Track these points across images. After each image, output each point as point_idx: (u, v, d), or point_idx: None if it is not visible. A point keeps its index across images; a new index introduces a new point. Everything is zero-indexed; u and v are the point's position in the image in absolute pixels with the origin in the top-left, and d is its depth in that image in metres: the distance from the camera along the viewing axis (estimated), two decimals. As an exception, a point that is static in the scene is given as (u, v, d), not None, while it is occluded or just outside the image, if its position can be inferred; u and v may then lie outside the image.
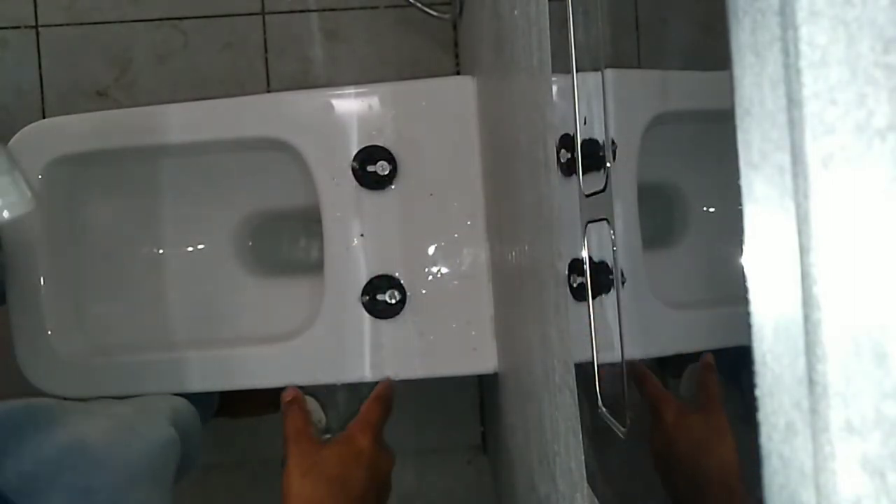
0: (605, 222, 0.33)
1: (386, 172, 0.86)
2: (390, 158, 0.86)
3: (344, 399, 0.98)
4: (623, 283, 0.32)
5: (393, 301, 0.86)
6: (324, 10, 1.34)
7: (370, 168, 0.86)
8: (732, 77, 0.18)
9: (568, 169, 0.39)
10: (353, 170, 0.86)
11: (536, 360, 0.55)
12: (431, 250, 0.87)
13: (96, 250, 0.98)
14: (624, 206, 0.32)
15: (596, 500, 0.38)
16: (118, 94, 1.33)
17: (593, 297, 0.36)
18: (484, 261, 0.86)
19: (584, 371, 0.37)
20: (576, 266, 0.39)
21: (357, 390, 1.36)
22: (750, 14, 0.17)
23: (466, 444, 1.36)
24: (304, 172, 0.89)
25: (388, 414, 0.74)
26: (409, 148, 0.86)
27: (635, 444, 0.32)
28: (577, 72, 0.35)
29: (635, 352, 0.32)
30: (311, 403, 0.79)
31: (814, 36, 0.16)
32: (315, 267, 0.93)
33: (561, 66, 0.38)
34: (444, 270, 0.87)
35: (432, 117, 0.87)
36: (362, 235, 0.88)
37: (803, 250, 0.16)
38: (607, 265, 0.34)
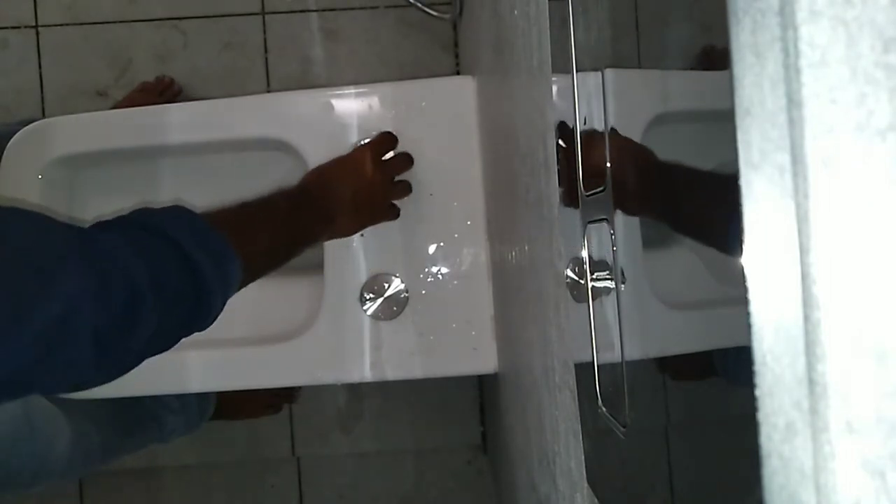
0: (605, 222, 0.33)
1: (386, 172, 0.86)
2: (390, 158, 0.86)
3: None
4: (623, 283, 0.32)
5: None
6: (324, 10, 1.34)
7: (370, 168, 0.86)
8: (732, 77, 0.18)
9: (568, 169, 0.39)
10: (353, 170, 0.86)
11: (536, 360, 0.55)
12: (431, 250, 0.87)
13: (96, 250, 0.97)
14: (624, 206, 0.32)
15: (596, 500, 0.38)
16: (118, 94, 1.33)
17: (593, 298, 0.36)
18: (484, 261, 0.86)
19: (584, 371, 0.37)
20: (576, 266, 0.39)
21: (357, 389, 1.36)
22: (750, 14, 0.17)
23: (466, 444, 1.36)
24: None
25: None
26: (408, 148, 0.86)
27: (635, 444, 0.32)
28: (577, 72, 0.35)
29: (635, 352, 0.32)
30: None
31: (814, 36, 0.16)
32: (315, 267, 0.93)
33: (561, 66, 0.38)
34: (444, 270, 0.87)
35: (432, 117, 0.87)
36: (362, 235, 0.88)
37: (803, 250, 0.16)
38: (607, 265, 0.34)
